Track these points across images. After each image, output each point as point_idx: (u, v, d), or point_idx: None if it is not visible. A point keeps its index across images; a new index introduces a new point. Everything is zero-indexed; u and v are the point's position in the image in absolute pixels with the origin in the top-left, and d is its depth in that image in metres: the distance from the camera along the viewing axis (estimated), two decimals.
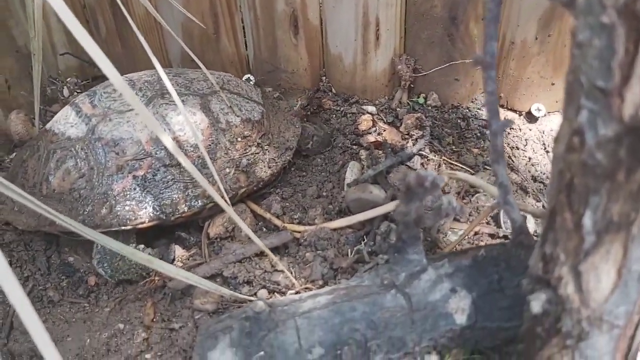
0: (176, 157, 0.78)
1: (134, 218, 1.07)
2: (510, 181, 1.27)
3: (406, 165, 1.26)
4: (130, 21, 1.02)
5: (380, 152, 1.31)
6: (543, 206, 1.24)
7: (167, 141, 0.77)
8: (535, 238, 0.80)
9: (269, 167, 1.18)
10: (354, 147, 1.34)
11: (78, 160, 1.09)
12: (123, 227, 1.06)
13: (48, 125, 1.16)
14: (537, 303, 0.61)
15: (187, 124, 1.10)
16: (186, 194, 1.10)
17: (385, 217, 1.10)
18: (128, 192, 1.08)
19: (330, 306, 0.81)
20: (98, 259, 1.09)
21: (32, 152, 1.15)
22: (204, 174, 1.10)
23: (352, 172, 1.23)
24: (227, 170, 1.13)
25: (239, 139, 1.16)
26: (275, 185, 1.27)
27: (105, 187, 1.07)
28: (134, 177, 1.08)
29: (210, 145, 1.12)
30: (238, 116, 1.18)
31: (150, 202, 1.08)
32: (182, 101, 1.13)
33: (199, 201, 1.10)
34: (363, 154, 1.31)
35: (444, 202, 0.67)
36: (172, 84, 1.15)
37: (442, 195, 0.67)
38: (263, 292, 0.98)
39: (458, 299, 0.79)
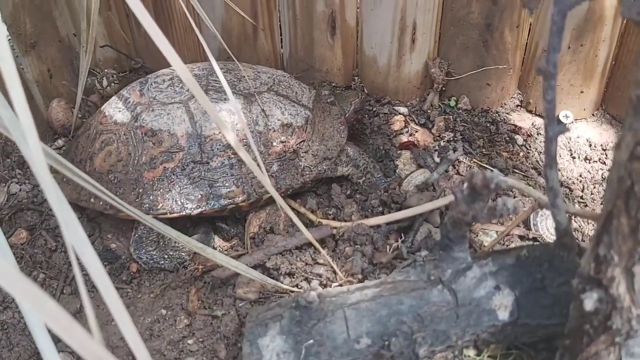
0: (237, 151, 0.82)
1: (156, 208, 1.11)
2: (539, 185, 1.30)
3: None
4: (184, 7, 1.05)
5: (412, 152, 1.34)
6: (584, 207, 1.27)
7: (230, 136, 0.81)
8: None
9: (302, 175, 1.18)
10: (389, 147, 1.37)
11: (119, 144, 1.14)
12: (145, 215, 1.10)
13: (102, 107, 1.22)
14: (589, 301, 0.65)
15: (220, 124, 1.13)
16: (210, 192, 1.12)
17: (425, 219, 1.15)
18: (156, 182, 1.12)
19: (377, 299, 0.84)
20: (135, 246, 1.14)
21: (84, 129, 1.21)
22: (230, 174, 1.13)
23: (422, 175, 1.26)
24: (255, 174, 1.13)
25: (274, 143, 1.16)
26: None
27: (137, 174, 1.12)
28: (165, 168, 1.12)
29: (245, 145, 1.14)
30: (279, 120, 1.17)
31: (174, 195, 1.12)
32: (224, 99, 1.16)
33: (222, 201, 1.13)
34: (405, 154, 1.33)
35: (499, 203, 0.71)
36: (220, 81, 1.18)
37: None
38: (314, 282, 1.02)
39: (501, 296, 0.83)
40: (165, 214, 1.11)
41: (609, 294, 0.65)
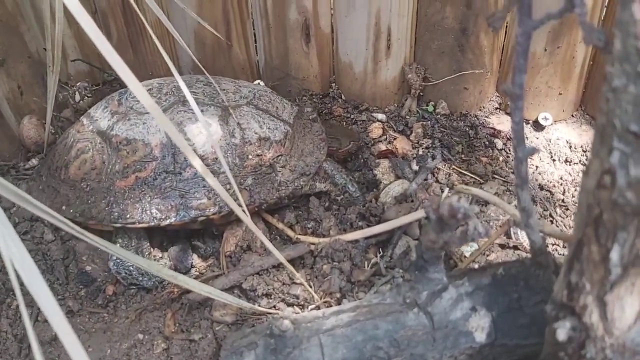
0: (191, 165, 0.80)
1: (125, 217, 1.10)
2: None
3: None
4: (148, 27, 1.04)
5: (389, 160, 1.33)
6: (550, 215, 1.26)
7: (196, 162, 0.79)
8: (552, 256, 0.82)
9: (277, 190, 1.16)
10: (367, 155, 1.36)
11: (95, 152, 1.14)
12: (114, 224, 1.11)
13: (82, 116, 1.23)
14: (562, 331, 0.64)
15: (196, 134, 1.11)
16: (180, 203, 1.11)
17: (404, 231, 1.13)
18: (127, 191, 1.11)
19: (353, 324, 0.83)
20: (114, 261, 1.12)
21: (63, 138, 1.22)
22: (202, 185, 1.12)
23: (400, 186, 1.24)
24: (228, 186, 1.11)
25: (250, 157, 1.14)
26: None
27: (109, 183, 1.12)
28: (137, 177, 1.12)
29: (216, 158, 1.13)
30: (256, 133, 1.16)
31: (144, 205, 1.11)
32: (202, 111, 1.15)
33: (192, 212, 1.11)
34: (383, 164, 1.31)
35: (470, 227, 0.69)
36: (199, 93, 1.18)
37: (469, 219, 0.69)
38: (287, 310, 1.00)
39: (478, 318, 0.82)
40: (134, 223, 1.10)
41: (582, 322, 0.64)
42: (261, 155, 1.16)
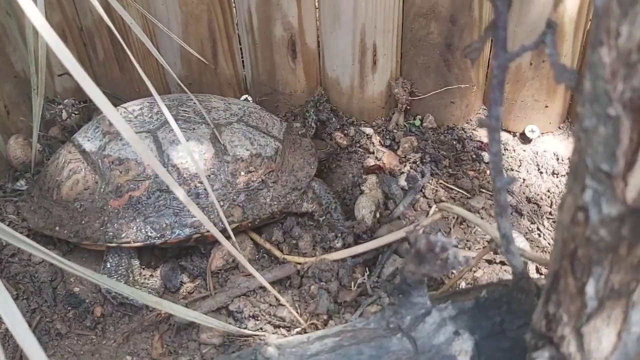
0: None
1: (120, 236, 1.10)
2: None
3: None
4: (126, 48, 1.05)
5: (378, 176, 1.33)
6: (538, 228, 1.27)
7: (161, 170, 0.78)
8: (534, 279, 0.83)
9: (270, 205, 1.17)
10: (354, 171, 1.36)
11: (87, 172, 1.15)
12: (109, 244, 1.11)
13: (73, 136, 1.23)
14: None
15: (187, 152, 1.11)
16: (175, 221, 1.12)
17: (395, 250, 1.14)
18: (121, 211, 1.12)
19: (337, 349, 0.83)
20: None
21: (54, 158, 1.23)
22: (198, 204, 1.12)
23: (369, 199, 1.25)
24: (222, 203, 1.13)
25: (242, 173, 1.16)
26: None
27: (103, 203, 1.13)
28: (130, 197, 1.12)
29: (209, 176, 1.14)
30: (247, 150, 1.17)
31: (139, 224, 1.12)
32: (193, 129, 1.16)
33: (186, 230, 1.12)
34: (371, 179, 1.31)
35: (450, 257, 0.70)
36: (190, 111, 1.19)
37: (448, 247, 0.69)
38: (272, 337, 1.01)
39: (461, 342, 0.82)
40: (129, 242, 1.11)
41: (560, 352, 0.64)
42: (253, 171, 1.17)
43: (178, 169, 1.12)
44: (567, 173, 0.58)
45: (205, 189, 1.13)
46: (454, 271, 1.09)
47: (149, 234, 1.11)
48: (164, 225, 1.12)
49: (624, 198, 0.52)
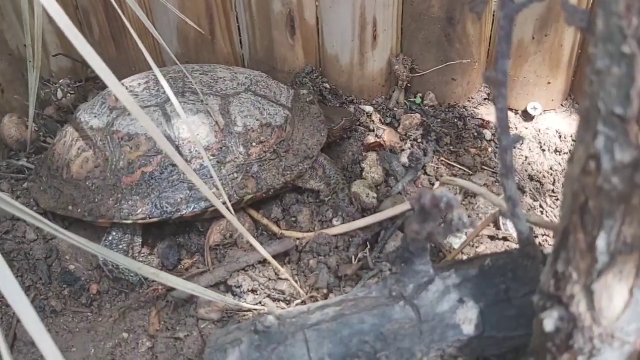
0: (174, 159, 0.78)
1: (135, 213, 1.09)
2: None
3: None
4: (126, 21, 1.02)
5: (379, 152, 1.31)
6: (540, 205, 1.25)
7: (167, 146, 0.77)
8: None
9: (283, 175, 1.15)
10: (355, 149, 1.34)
11: (96, 150, 1.12)
12: (124, 221, 1.09)
13: (77, 113, 1.20)
14: (549, 321, 0.62)
15: (191, 127, 1.09)
16: (189, 195, 1.10)
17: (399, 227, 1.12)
18: (135, 187, 1.10)
19: (339, 318, 0.81)
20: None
21: (60, 137, 1.20)
22: (210, 176, 1.10)
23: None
24: (235, 175, 1.12)
25: (254, 144, 1.14)
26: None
27: (115, 180, 1.11)
28: (143, 172, 1.10)
29: (221, 148, 1.12)
30: (257, 120, 1.16)
31: (153, 199, 1.10)
32: (202, 101, 1.14)
33: (202, 203, 1.10)
34: (371, 156, 1.29)
35: (454, 218, 0.67)
36: (197, 82, 1.17)
37: (452, 209, 0.67)
38: (271, 305, 0.98)
39: (465, 310, 0.80)
40: (145, 218, 1.09)
41: (569, 312, 0.62)
42: (264, 141, 1.16)
43: (189, 142, 1.10)
44: (577, 122, 0.56)
45: (217, 162, 1.11)
46: (458, 234, 1.07)
47: (165, 208, 1.09)
48: (179, 200, 1.10)
49: (638, 142, 0.50)
